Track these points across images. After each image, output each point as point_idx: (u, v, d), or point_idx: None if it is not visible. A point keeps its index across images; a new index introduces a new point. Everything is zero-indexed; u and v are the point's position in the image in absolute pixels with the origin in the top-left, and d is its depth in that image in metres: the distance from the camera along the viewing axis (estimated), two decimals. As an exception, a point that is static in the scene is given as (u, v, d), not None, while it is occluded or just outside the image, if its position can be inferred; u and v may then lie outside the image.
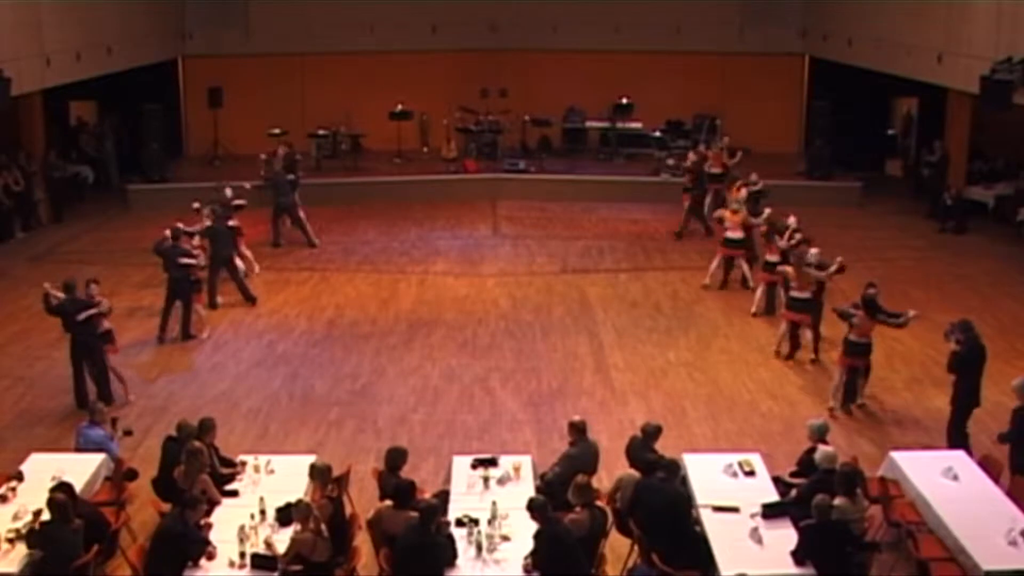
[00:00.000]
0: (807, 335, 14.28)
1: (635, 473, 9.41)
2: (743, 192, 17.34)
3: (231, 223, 16.58)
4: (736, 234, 16.74)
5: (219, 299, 16.23)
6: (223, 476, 9.64)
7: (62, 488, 8.69)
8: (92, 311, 12.60)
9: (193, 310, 15.01)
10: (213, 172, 21.21)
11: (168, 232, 14.92)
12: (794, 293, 14.02)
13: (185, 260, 14.69)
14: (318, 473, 9.03)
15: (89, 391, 12.74)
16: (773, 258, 15.29)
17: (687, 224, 20.01)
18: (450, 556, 8.36)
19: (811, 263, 13.88)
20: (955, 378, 11.57)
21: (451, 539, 8.45)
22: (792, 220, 15.42)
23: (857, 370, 12.69)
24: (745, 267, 17.03)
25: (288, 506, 8.72)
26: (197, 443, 9.48)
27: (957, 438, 11.26)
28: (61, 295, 12.75)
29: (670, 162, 22.90)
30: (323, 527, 8.34)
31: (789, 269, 14.09)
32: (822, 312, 14.15)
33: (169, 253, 14.79)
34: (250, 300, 16.37)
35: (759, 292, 16.00)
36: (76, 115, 24.53)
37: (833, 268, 13.90)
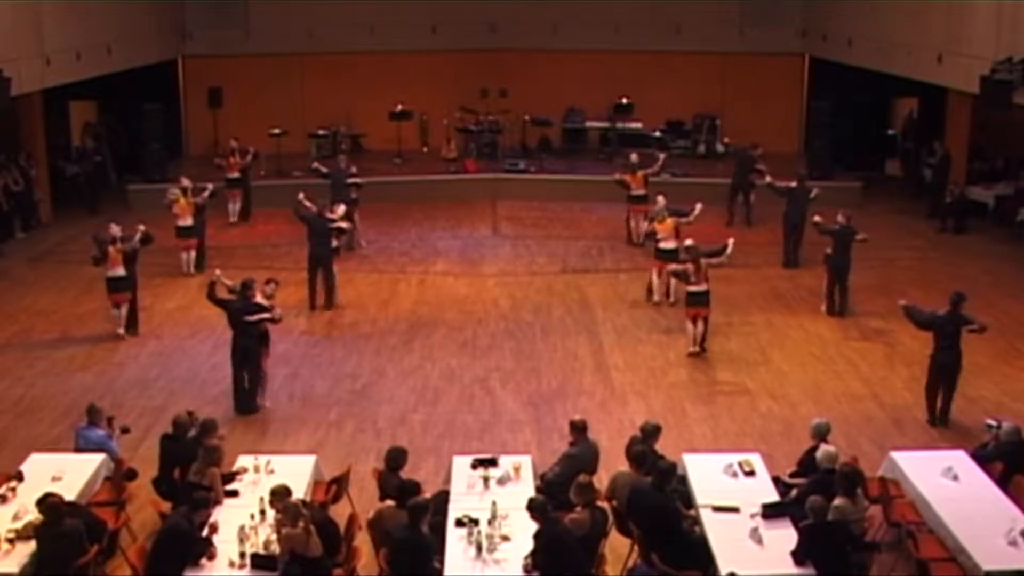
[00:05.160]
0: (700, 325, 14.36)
1: (628, 472, 9.42)
2: (660, 200, 16.54)
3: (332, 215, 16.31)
4: (670, 244, 15.79)
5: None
6: (224, 476, 9.64)
7: (52, 495, 8.64)
8: (265, 316, 12.45)
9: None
10: (213, 172, 21.16)
11: None
12: (693, 288, 14.15)
13: None
14: (276, 497, 8.69)
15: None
16: None
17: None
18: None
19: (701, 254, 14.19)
20: None
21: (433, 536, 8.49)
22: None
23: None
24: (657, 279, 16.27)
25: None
26: (216, 441, 9.65)
27: None
28: (229, 283, 12.69)
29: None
30: (312, 526, 8.29)
31: (689, 266, 14.21)
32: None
33: None
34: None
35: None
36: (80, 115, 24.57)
37: (729, 250, 14.41)
